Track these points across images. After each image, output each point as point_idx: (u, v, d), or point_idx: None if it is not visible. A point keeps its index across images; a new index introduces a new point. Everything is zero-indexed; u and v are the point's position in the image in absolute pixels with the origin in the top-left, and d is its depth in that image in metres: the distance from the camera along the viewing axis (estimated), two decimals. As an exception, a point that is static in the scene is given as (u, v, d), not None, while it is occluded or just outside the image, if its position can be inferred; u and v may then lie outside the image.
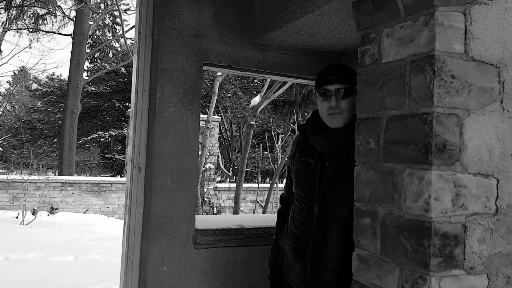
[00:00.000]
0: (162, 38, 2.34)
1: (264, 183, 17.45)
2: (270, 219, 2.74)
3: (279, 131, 18.56)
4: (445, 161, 1.26)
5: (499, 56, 1.36)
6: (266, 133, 16.18)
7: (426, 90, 1.27)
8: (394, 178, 1.37)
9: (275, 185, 8.59)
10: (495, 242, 1.34)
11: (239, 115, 22.68)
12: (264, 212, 7.26)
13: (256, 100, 5.69)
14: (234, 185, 12.84)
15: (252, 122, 5.60)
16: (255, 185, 13.00)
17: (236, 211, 6.04)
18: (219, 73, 6.06)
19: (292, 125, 20.73)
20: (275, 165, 13.41)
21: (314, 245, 1.77)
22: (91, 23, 18.80)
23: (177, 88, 2.36)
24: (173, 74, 2.35)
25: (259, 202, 10.82)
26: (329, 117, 1.79)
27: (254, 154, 21.57)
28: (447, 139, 1.26)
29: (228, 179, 17.62)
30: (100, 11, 19.70)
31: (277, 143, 13.59)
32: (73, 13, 19.31)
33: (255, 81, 23.16)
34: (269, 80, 5.76)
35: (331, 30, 2.29)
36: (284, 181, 2.35)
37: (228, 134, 21.56)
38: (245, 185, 12.86)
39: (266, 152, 20.44)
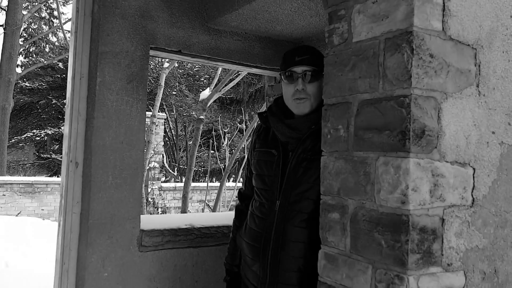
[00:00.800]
0: (103, 18, 2.11)
1: (211, 182, 17.23)
2: (222, 217, 2.58)
3: (226, 130, 18.41)
4: (423, 148, 1.16)
5: (476, 37, 1.28)
6: (213, 132, 15.98)
7: (403, 70, 1.16)
8: (367, 167, 1.26)
9: (224, 184, 8.41)
10: (471, 236, 1.26)
11: (184, 114, 22.29)
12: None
13: (205, 93, 5.48)
14: (180, 184, 12.53)
15: (202, 117, 5.39)
16: (202, 184, 12.76)
17: (184, 210, 5.79)
18: (165, 65, 5.80)
19: (239, 124, 20.63)
20: (223, 164, 13.24)
21: (275, 243, 1.63)
22: (25, 12, 17.72)
23: (120, 73, 2.14)
24: (115, 57, 2.13)
25: (207, 202, 10.60)
26: (295, 103, 1.66)
27: (200, 153, 21.29)
28: (425, 124, 1.16)
29: (173, 179, 17.24)
30: (36, 1, 18.63)
31: (224, 142, 13.44)
32: (4, 2, 18.13)
33: (201, 79, 22.87)
34: (219, 73, 5.58)
35: (290, 14, 2.17)
36: (238, 178, 2.21)
37: (173, 132, 21.11)
38: (191, 184, 12.58)
39: (213, 151, 20.24)
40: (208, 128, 21.23)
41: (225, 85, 5.32)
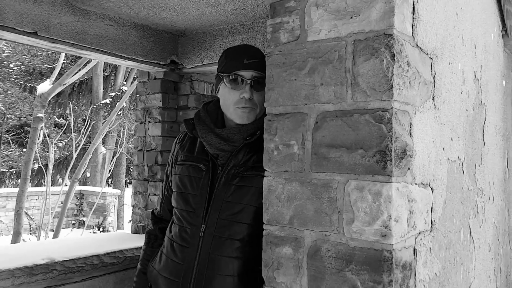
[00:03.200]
0: None
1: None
2: (89, 244, 2.14)
3: (42, 125, 16.62)
4: (402, 170, 1.03)
5: (433, 45, 1.21)
6: (24, 127, 14.20)
7: (382, 79, 1.01)
8: (331, 193, 1.08)
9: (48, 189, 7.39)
10: (432, 264, 1.19)
11: (-12, 106, 19.38)
12: (56, 228, 6.06)
13: (45, 86, 4.62)
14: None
15: (40, 115, 4.52)
16: (15, 189, 11.15)
17: (17, 230, 4.82)
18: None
19: (57, 118, 18.70)
20: (39, 165, 11.79)
21: (198, 277, 1.36)
22: None
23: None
24: None
25: (25, 210, 9.22)
26: (238, 111, 1.41)
27: (9, 152, 18.81)
28: (407, 142, 1.03)
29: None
30: None
31: (40, 139, 12.03)
32: None
33: (11, 65, 20.24)
34: (61, 61, 4.82)
35: (183, 0, 1.87)
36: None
37: (-25, 128, 18.14)
38: (3, 190, 10.92)
39: (25, 149, 18.07)
40: (20, 123, 18.94)
41: (73, 75, 4.58)
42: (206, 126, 1.45)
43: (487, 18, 1.83)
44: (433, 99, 1.21)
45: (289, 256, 1.14)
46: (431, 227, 1.19)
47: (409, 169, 1.06)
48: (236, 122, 1.43)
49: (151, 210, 2.58)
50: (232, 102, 1.41)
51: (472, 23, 1.58)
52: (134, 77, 17.55)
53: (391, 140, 1.00)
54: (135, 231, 2.59)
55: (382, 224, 1.00)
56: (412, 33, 1.09)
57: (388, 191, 1.00)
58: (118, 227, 14.95)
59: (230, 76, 1.41)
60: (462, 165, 1.46)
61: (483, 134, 1.75)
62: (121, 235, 2.53)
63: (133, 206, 2.61)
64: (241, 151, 1.40)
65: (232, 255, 1.36)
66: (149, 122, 2.52)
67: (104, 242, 2.20)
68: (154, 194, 2.52)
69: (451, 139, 1.34)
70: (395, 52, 1.00)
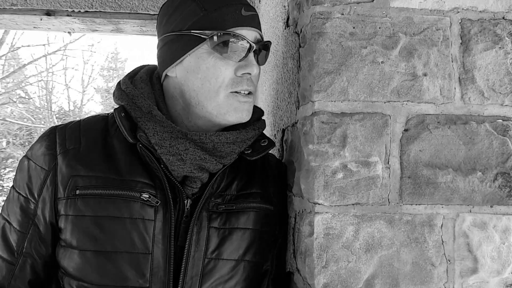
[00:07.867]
0: None
1: None
2: None
3: None
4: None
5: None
6: None
7: (506, 78, 0.79)
8: (436, 233, 0.77)
9: None
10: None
11: None
12: None
13: None
14: None
15: None
16: None
17: None
18: None
19: None
20: None
21: None
22: None
23: None
24: None
25: None
26: (234, 100, 0.80)
27: None
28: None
29: None
30: None
31: None
32: None
33: None
34: None
35: None
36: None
37: None
38: None
39: None
40: None
41: None
42: (167, 126, 0.78)
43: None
44: None
45: None
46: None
47: None
48: (226, 119, 0.81)
49: None
50: (223, 82, 0.79)
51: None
52: None
53: (516, 159, 0.78)
54: None
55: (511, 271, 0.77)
56: None
57: (516, 226, 0.78)
58: None
59: (218, 35, 0.78)
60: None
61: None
62: None
63: None
64: (221, 172, 0.82)
65: None
66: None
67: None
68: None
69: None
70: (518, 42, 0.79)
